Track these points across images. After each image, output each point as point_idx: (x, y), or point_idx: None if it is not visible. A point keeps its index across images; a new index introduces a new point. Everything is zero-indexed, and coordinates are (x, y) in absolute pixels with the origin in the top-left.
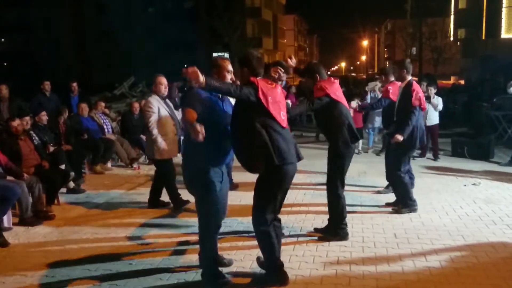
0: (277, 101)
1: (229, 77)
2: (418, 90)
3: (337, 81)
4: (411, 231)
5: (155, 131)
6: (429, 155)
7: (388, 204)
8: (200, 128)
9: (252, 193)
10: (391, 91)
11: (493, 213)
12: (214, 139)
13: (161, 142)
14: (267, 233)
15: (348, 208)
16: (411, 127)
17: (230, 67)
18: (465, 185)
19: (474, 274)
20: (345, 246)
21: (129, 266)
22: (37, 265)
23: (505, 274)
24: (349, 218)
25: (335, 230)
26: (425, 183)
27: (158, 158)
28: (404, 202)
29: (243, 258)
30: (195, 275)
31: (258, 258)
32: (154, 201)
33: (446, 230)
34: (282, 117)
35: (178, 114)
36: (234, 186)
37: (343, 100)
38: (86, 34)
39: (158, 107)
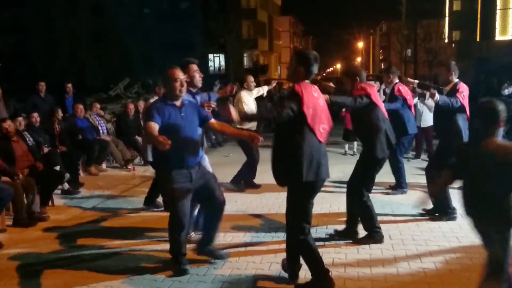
0: (318, 114)
1: (178, 84)
2: (464, 90)
3: (375, 86)
4: (406, 233)
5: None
6: (424, 156)
7: (427, 212)
8: (163, 138)
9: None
10: (403, 90)
11: None
12: (175, 144)
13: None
14: (307, 242)
15: (342, 210)
16: (450, 105)
17: (177, 76)
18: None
19: (469, 275)
20: (340, 248)
21: (124, 268)
22: (31, 267)
23: None
24: (343, 220)
25: (370, 233)
26: (420, 185)
27: (152, 160)
28: (443, 210)
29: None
30: (190, 277)
31: (283, 261)
32: (150, 200)
33: (440, 231)
34: (321, 130)
35: None
36: (256, 186)
37: (381, 105)
38: (81, 35)
39: None
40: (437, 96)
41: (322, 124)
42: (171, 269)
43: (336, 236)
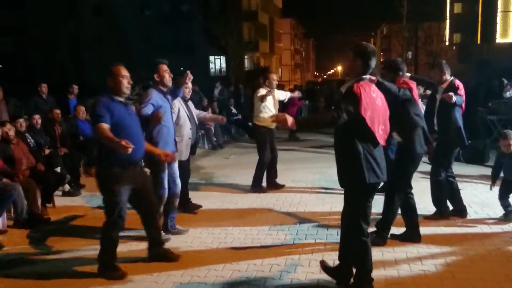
0: (376, 115)
1: (125, 81)
2: (461, 86)
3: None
4: None
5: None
6: (425, 158)
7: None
8: (126, 142)
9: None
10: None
11: (488, 217)
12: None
13: None
14: (367, 244)
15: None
16: (462, 102)
17: (124, 72)
18: (461, 189)
19: (469, 277)
20: None
21: (124, 269)
22: (32, 268)
23: (500, 278)
24: None
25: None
26: (421, 187)
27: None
28: (438, 209)
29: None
30: (190, 278)
31: (322, 262)
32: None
33: (441, 233)
34: (380, 132)
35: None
36: (279, 186)
37: (419, 102)
38: (81, 36)
39: (179, 108)
40: (454, 98)
41: (380, 125)
42: (104, 276)
43: (397, 239)
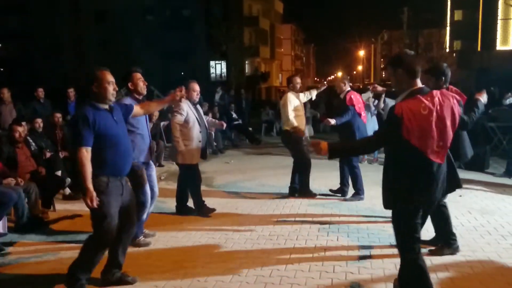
0: (431, 129)
1: (111, 88)
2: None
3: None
4: None
5: (176, 133)
6: None
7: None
8: (94, 197)
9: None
10: (354, 99)
11: (488, 223)
12: (110, 151)
13: (180, 145)
14: (415, 261)
15: (343, 218)
16: None
17: (110, 78)
18: (460, 196)
19: (469, 284)
20: (340, 255)
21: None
22: (32, 272)
23: (500, 285)
24: (344, 228)
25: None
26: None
27: (180, 162)
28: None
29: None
30: (190, 283)
31: (396, 280)
32: (181, 208)
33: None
34: (436, 149)
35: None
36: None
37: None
38: (85, 41)
39: (188, 111)
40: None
41: (439, 141)
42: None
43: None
